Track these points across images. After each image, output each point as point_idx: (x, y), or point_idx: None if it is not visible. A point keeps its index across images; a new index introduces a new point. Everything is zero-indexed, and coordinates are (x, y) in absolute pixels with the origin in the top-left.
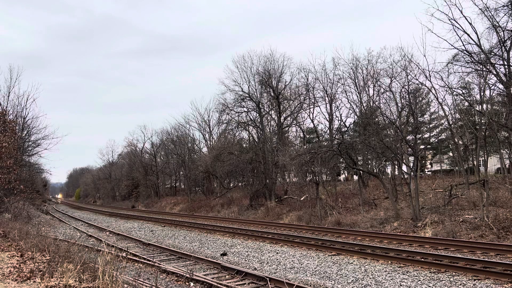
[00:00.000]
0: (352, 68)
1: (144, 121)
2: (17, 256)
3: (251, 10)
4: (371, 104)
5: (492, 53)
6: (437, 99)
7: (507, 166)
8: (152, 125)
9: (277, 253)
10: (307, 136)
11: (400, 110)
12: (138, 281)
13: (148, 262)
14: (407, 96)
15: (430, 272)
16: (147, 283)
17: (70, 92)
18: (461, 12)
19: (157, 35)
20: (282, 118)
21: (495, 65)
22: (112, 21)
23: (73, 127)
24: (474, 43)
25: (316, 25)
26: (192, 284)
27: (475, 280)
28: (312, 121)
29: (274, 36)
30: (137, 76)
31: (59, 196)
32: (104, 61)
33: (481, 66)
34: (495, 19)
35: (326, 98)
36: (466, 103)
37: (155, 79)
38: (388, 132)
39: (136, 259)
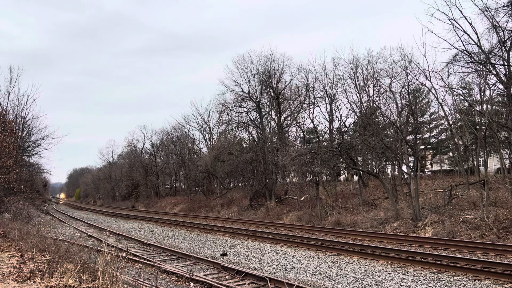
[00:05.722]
0: (352, 68)
1: (146, 121)
2: (17, 256)
3: (262, 7)
4: (371, 104)
5: (492, 53)
6: (437, 99)
7: (507, 166)
8: (152, 125)
9: (277, 253)
10: (307, 136)
11: (400, 110)
12: (138, 281)
13: (148, 262)
14: (407, 96)
15: (430, 272)
16: (147, 283)
17: (75, 91)
18: (461, 12)
19: (167, 33)
20: (282, 118)
21: (495, 65)
22: (122, 19)
23: (75, 127)
24: (474, 43)
25: (315, 25)
26: (192, 284)
27: (475, 280)
28: (312, 121)
29: (279, 35)
30: (144, 75)
31: (62, 196)
32: (111, 60)
33: (481, 66)
34: (495, 19)
35: (326, 98)
36: (466, 103)
37: (161, 78)
38: (388, 132)
39: (136, 259)
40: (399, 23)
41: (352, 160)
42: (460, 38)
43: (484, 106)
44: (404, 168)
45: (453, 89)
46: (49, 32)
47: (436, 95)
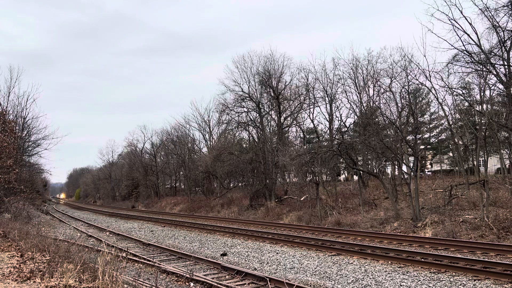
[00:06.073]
0: (352, 68)
1: (146, 121)
2: (17, 256)
3: (262, 7)
4: (371, 104)
5: (492, 53)
6: (437, 99)
7: (507, 166)
8: (152, 125)
9: (277, 253)
10: (307, 136)
11: (400, 110)
12: (138, 281)
13: (148, 262)
14: (407, 96)
15: (430, 272)
16: (147, 283)
17: (75, 91)
18: (461, 12)
19: (167, 33)
20: (282, 118)
21: (495, 65)
22: (122, 19)
23: (75, 127)
24: (474, 43)
25: (315, 25)
26: (192, 284)
27: (475, 280)
28: (312, 121)
29: (279, 35)
30: (144, 75)
31: (62, 196)
32: (112, 60)
33: (481, 66)
34: (495, 19)
35: (326, 98)
36: (466, 103)
37: (162, 77)
38: (388, 132)
39: (136, 259)
40: (399, 23)
41: (352, 160)
42: (460, 38)
43: (484, 106)
44: (404, 168)
45: (453, 89)
46: (49, 32)
47: (436, 95)
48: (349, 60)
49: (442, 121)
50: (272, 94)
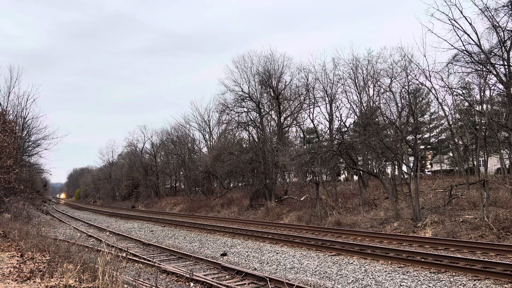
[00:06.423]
0: (352, 68)
1: (146, 121)
2: (17, 256)
3: (262, 7)
4: (371, 104)
5: (492, 53)
6: (437, 99)
7: (507, 166)
8: (152, 125)
9: (277, 253)
10: (307, 136)
11: (400, 110)
12: (138, 281)
13: (148, 262)
14: (407, 96)
15: (430, 272)
16: (147, 283)
17: (75, 91)
18: (461, 12)
19: (167, 33)
20: (282, 118)
21: (495, 65)
22: (122, 19)
23: (75, 127)
24: (474, 43)
25: (315, 25)
26: (192, 284)
27: (475, 280)
28: (312, 121)
29: (279, 35)
30: (144, 75)
31: (62, 196)
32: (112, 60)
33: (481, 66)
34: (495, 19)
35: (326, 98)
36: (466, 103)
37: (162, 77)
38: (388, 132)
39: (136, 259)
40: (399, 23)
41: (352, 160)
42: (460, 38)
43: (484, 106)
44: (404, 168)
45: (453, 89)
46: (49, 32)
47: (436, 95)
48: (349, 60)
49: (442, 121)
50: (272, 94)
